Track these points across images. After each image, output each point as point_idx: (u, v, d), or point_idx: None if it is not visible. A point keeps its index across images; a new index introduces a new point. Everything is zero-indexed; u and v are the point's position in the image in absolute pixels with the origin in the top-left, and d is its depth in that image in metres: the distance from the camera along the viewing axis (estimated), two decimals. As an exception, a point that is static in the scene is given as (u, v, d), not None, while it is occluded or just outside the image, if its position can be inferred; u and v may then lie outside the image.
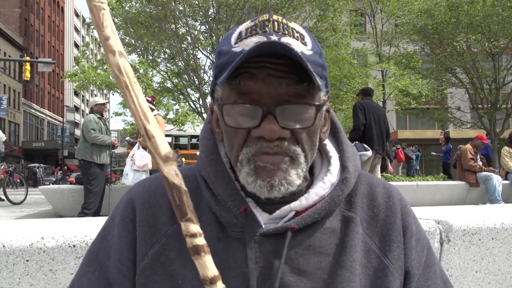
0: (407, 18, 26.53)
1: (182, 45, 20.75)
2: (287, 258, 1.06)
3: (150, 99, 9.65)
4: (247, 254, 1.04)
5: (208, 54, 21.98)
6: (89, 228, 1.95)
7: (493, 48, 25.84)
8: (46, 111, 73.38)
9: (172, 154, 0.87)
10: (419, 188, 10.52)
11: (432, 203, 9.55)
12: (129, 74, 0.85)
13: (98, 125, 8.88)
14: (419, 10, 25.82)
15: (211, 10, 20.49)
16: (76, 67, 26.54)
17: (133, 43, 21.69)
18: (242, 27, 1.10)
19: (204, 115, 23.03)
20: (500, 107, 28.20)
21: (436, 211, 2.94)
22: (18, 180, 17.30)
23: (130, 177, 9.01)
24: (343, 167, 1.18)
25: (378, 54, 27.73)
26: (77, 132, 77.94)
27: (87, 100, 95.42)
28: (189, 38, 21.05)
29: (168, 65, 23.37)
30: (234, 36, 1.08)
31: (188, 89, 23.26)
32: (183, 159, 24.14)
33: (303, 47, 1.05)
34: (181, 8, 20.33)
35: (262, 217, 1.09)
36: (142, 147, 9.03)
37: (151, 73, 25.72)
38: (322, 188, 1.13)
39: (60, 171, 50.43)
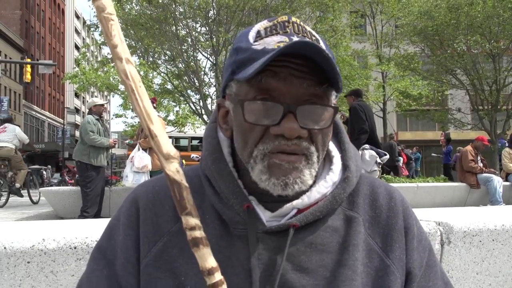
0: (407, 19, 26.54)
1: (183, 47, 20.76)
2: (289, 255, 1.07)
3: (151, 100, 9.67)
4: (250, 251, 1.05)
5: (208, 56, 22.00)
6: (90, 230, 1.95)
7: (493, 50, 25.84)
8: (47, 113, 73.39)
9: (173, 152, 0.90)
10: (420, 190, 10.51)
11: (433, 204, 9.54)
12: (134, 78, 0.90)
13: (96, 127, 8.85)
14: (419, 12, 25.83)
15: (212, 12, 20.52)
16: (77, 68, 26.54)
17: (134, 45, 21.71)
18: (260, 26, 1.11)
19: (205, 117, 23.04)
20: (501, 108, 28.20)
21: (437, 213, 2.94)
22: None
23: (130, 178, 9.02)
24: (345, 167, 1.19)
25: (378, 56, 27.73)
26: (78, 133, 78.14)
27: (87, 101, 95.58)
28: (189, 39, 21.06)
29: (169, 66, 23.39)
30: (252, 35, 1.10)
31: (189, 91, 23.28)
32: (183, 161, 24.14)
33: None
34: (181, 10, 20.35)
35: (264, 214, 1.10)
36: (142, 149, 9.04)
37: (151, 75, 25.73)
38: (324, 186, 1.14)
39: (68, 172, 50.39)
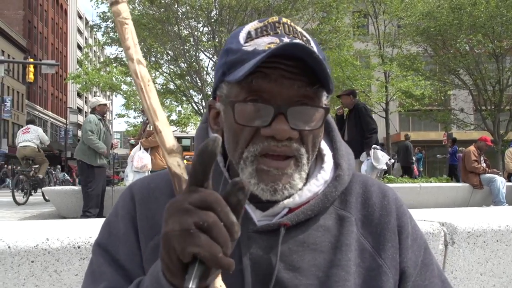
0: (410, 19, 26.50)
1: (185, 47, 20.77)
2: (281, 254, 1.07)
3: None
4: (241, 250, 1.05)
5: (210, 56, 22.00)
6: (93, 230, 1.95)
7: (496, 49, 25.79)
8: (50, 113, 73.53)
9: (176, 147, 0.93)
10: (422, 190, 10.50)
11: (435, 205, 9.52)
12: (144, 78, 0.95)
13: (97, 127, 8.84)
14: (421, 12, 25.79)
15: (214, 12, 20.52)
16: (79, 68, 26.59)
17: (136, 45, 21.69)
18: (250, 27, 1.11)
19: (207, 117, 22.98)
20: (504, 108, 28.13)
21: (441, 213, 2.93)
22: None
23: (130, 178, 9.05)
24: (337, 165, 1.20)
25: (381, 56, 27.70)
26: (80, 133, 78.24)
27: (89, 101, 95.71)
28: (191, 39, 21.07)
29: (171, 66, 23.40)
30: (243, 35, 1.10)
31: (191, 91, 23.28)
32: (185, 161, 24.14)
33: None
34: (183, 10, 20.36)
35: (255, 214, 1.11)
36: (144, 148, 9.05)
37: (154, 74, 25.74)
38: (315, 185, 1.14)
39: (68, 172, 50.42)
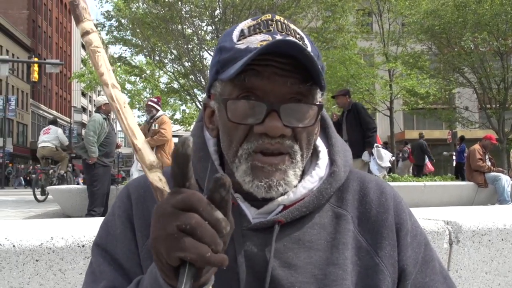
0: (414, 17, 26.42)
1: (189, 46, 20.76)
2: (276, 252, 1.07)
3: (155, 100, 9.72)
4: (235, 248, 1.05)
5: (214, 55, 21.96)
6: (98, 228, 1.95)
7: (501, 47, 25.70)
8: (54, 112, 73.63)
9: (156, 163, 0.97)
10: (427, 189, 10.48)
11: (440, 203, 9.50)
12: (120, 101, 1.02)
13: (102, 126, 8.85)
14: (426, 10, 25.72)
15: (218, 11, 20.50)
16: (84, 67, 26.59)
17: (140, 44, 21.72)
18: (243, 25, 1.12)
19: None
20: (509, 106, 28.02)
21: (445, 212, 2.93)
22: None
23: (135, 176, 9.04)
24: (332, 161, 1.19)
25: (385, 54, 27.64)
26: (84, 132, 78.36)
27: (94, 100, 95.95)
28: (195, 38, 21.06)
29: (175, 65, 23.39)
30: (236, 34, 1.11)
31: (195, 90, 23.27)
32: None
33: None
34: (187, 9, 20.35)
35: (250, 211, 1.11)
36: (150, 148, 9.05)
37: (157, 73, 25.73)
38: (309, 181, 1.15)
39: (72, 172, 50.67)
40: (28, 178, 48.45)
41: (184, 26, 20.52)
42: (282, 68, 1.02)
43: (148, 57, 23.29)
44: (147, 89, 26.28)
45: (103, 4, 21.03)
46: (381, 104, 27.94)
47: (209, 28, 21.70)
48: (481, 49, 26.32)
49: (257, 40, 1.05)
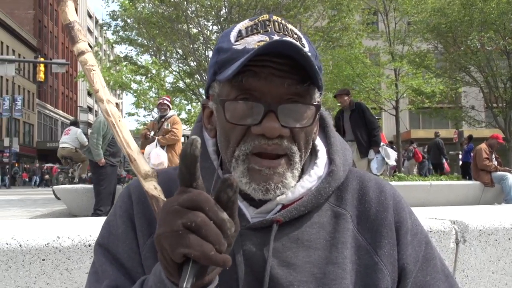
0: (420, 16, 26.34)
1: (194, 45, 20.78)
2: (275, 251, 1.07)
3: (168, 99, 9.77)
4: (234, 247, 1.05)
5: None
6: (104, 228, 1.96)
7: (508, 46, 25.58)
8: (60, 112, 73.89)
9: (151, 172, 1.03)
10: (433, 188, 10.45)
11: (446, 203, 9.48)
12: (115, 115, 1.08)
13: (107, 127, 8.88)
14: (432, 9, 25.62)
15: (223, 10, 20.51)
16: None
17: (146, 43, 21.76)
18: (241, 26, 1.12)
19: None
20: (515, 105, 27.92)
21: (452, 211, 2.92)
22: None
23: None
24: (331, 160, 1.20)
25: (391, 53, 27.56)
26: (90, 132, 78.63)
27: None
28: (201, 38, 21.08)
29: (180, 65, 23.42)
30: (234, 34, 1.11)
31: (200, 89, 23.29)
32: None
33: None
34: (193, 9, 20.37)
35: (248, 211, 1.11)
36: (160, 146, 9.05)
37: (163, 73, 25.77)
38: (308, 181, 1.15)
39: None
40: (43, 177, 48.81)
41: (190, 26, 20.54)
42: (279, 69, 1.02)
43: (153, 57, 23.34)
44: (153, 89, 26.34)
45: (109, 4, 21.09)
46: (387, 103, 27.86)
47: (215, 27, 21.70)
48: (487, 48, 26.21)
49: (255, 41, 1.05)
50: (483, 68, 26.97)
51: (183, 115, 30.05)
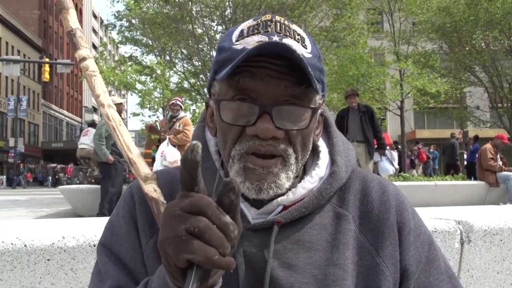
0: (425, 16, 26.28)
1: (199, 45, 20.79)
2: (275, 252, 1.07)
3: (180, 100, 9.86)
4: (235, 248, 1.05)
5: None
6: (109, 228, 1.96)
7: (513, 46, 25.52)
8: (65, 112, 74.05)
9: (150, 175, 1.06)
10: (438, 188, 10.44)
11: (451, 203, 9.47)
12: (115, 119, 1.12)
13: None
14: (437, 8, 25.57)
15: (228, 11, 20.52)
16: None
17: (151, 43, 21.78)
18: (244, 25, 1.12)
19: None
20: (520, 105, 27.83)
21: (457, 211, 2.91)
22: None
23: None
24: (333, 161, 1.19)
25: (396, 53, 27.51)
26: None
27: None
28: (206, 38, 21.09)
29: (185, 65, 23.43)
30: (236, 34, 1.11)
31: (205, 89, 23.27)
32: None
33: (303, 50, 1.07)
34: (197, 9, 20.38)
35: (250, 212, 1.11)
36: (172, 145, 9.07)
37: (168, 73, 25.79)
38: (309, 182, 1.15)
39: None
40: (57, 177, 48.99)
41: (195, 26, 20.55)
42: (276, 70, 1.02)
43: (158, 57, 23.37)
44: (158, 89, 26.37)
45: (115, 4, 21.13)
46: (392, 103, 27.82)
47: (220, 28, 21.71)
48: (492, 47, 26.15)
49: (254, 41, 1.05)
50: (488, 68, 26.90)
51: (188, 116, 30.06)
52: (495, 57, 26.17)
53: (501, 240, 2.35)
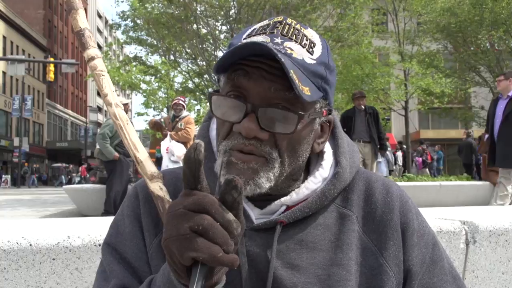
0: (430, 16, 26.25)
1: (203, 45, 20.82)
2: (279, 252, 1.07)
3: (183, 99, 9.88)
4: (238, 248, 1.05)
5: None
6: (114, 228, 1.96)
7: (517, 46, 25.47)
8: (70, 112, 74.20)
9: (156, 174, 1.08)
10: (443, 189, 10.41)
11: (456, 203, 9.44)
12: (123, 118, 1.13)
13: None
14: (442, 8, 25.53)
15: (232, 11, 20.54)
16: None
17: (155, 43, 21.82)
18: (258, 25, 1.13)
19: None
20: (525, 106, 27.71)
21: (462, 212, 2.90)
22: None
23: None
24: (337, 162, 1.19)
25: (400, 53, 27.48)
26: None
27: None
28: (210, 38, 21.12)
29: (190, 65, 23.47)
30: (247, 32, 1.12)
31: (210, 89, 23.31)
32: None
33: (306, 55, 1.06)
34: (202, 9, 20.41)
35: (253, 212, 1.11)
36: (175, 141, 9.09)
37: (172, 73, 25.82)
38: (312, 182, 1.15)
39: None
40: (69, 177, 49.14)
41: (199, 26, 20.59)
42: (269, 72, 1.01)
43: (163, 57, 23.40)
44: (162, 89, 26.39)
45: (119, 4, 21.19)
46: (396, 103, 27.79)
47: (224, 27, 21.75)
48: (497, 48, 26.10)
49: (250, 41, 1.04)
50: (493, 68, 26.86)
51: (192, 115, 30.07)
52: (500, 57, 26.14)
53: (506, 241, 2.34)
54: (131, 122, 1.18)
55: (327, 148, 1.22)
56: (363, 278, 1.10)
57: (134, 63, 23.90)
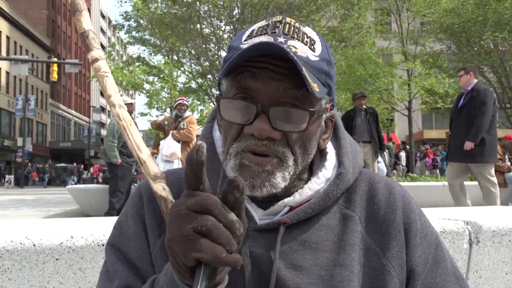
0: (433, 16, 26.21)
1: (207, 45, 20.83)
2: (282, 253, 1.07)
3: (186, 99, 9.90)
4: (241, 249, 1.05)
5: (232, 54, 22.01)
6: (117, 228, 1.96)
7: (521, 47, 25.42)
8: (73, 112, 74.28)
9: (159, 174, 1.08)
10: (446, 189, 10.38)
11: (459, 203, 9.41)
12: (126, 119, 1.14)
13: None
14: (445, 10, 25.49)
15: (236, 11, 20.55)
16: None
17: (159, 44, 21.83)
18: (256, 25, 1.12)
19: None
20: (529, 106, 27.72)
21: (465, 212, 2.90)
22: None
23: (161, 167, 9.05)
24: (340, 163, 1.18)
25: (404, 53, 27.45)
26: (103, 132, 78.86)
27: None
28: (213, 38, 21.12)
29: (193, 65, 23.48)
30: (247, 33, 1.11)
31: (213, 89, 23.34)
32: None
33: (310, 53, 1.06)
34: (206, 9, 20.43)
35: (256, 212, 1.11)
36: (176, 140, 9.08)
37: (175, 73, 25.82)
38: (316, 183, 1.14)
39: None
40: (81, 176, 49.17)
41: (202, 26, 20.60)
42: (277, 72, 1.01)
43: (166, 57, 23.41)
44: (165, 89, 26.41)
45: (122, 4, 21.24)
46: (400, 103, 27.75)
47: (227, 27, 21.75)
48: (501, 48, 26.04)
49: (259, 41, 1.04)
50: (497, 68, 26.83)
51: (195, 116, 30.07)
52: (503, 58, 26.08)
53: (510, 241, 2.34)
54: (135, 123, 1.18)
55: (330, 149, 1.21)
56: (366, 279, 1.10)
57: (137, 64, 23.92)
